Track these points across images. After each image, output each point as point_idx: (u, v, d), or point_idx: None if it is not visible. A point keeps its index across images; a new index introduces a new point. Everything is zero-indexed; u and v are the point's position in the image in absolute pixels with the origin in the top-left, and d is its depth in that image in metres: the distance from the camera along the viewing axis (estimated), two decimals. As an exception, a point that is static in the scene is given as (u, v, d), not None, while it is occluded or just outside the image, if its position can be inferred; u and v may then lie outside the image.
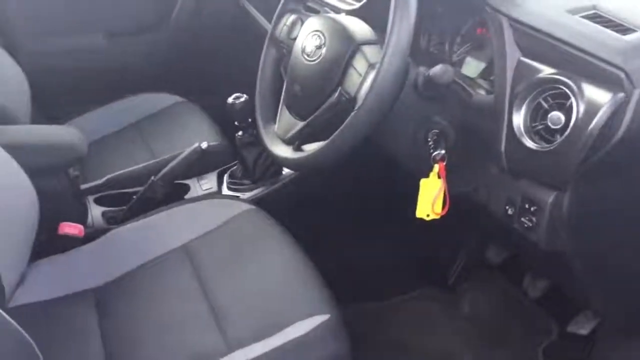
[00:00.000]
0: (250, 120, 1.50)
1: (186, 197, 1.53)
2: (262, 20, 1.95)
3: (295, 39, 1.17)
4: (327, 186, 1.57)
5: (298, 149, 1.09)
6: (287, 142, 1.11)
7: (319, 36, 1.07)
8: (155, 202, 1.43)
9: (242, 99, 1.47)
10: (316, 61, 1.06)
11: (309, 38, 1.09)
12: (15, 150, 1.18)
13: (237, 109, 1.47)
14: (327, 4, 1.33)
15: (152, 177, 1.43)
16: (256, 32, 1.99)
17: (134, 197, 1.51)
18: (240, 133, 1.52)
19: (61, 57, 2.00)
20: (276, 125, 1.16)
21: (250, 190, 1.53)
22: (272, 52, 1.24)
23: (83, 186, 1.52)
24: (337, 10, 1.35)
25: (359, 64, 0.99)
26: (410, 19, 0.93)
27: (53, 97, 1.97)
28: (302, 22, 1.17)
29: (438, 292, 1.60)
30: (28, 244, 1.19)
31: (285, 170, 1.56)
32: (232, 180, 1.57)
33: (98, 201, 1.51)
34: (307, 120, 1.07)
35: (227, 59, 2.18)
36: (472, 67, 1.15)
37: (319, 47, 1.06)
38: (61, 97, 1.99)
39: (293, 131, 1.10)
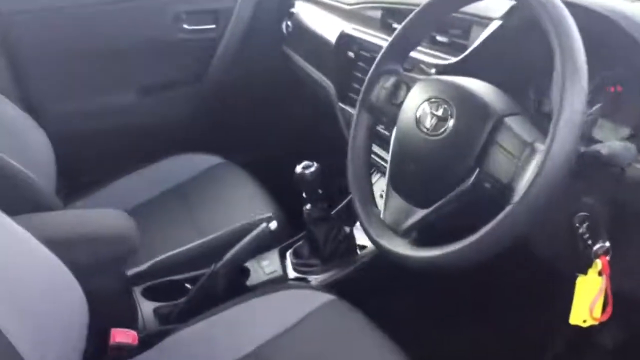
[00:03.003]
0: (320, 191, 1.31)
1: (248, 283, 1.31)
2: (308, 68, 1.76)
3: (399, 104, 0.97)
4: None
5: (418, 243, 0.88)
6: (401, 234, 0.90)
7: (441, 105, 0.87)
8: (216, 294, 1.21)
9: (313, 169, 1.27)
10: (441, 136, 0.86)
11: (425, 107, 0.89)
12: (57, 245, 0.98)
13: (307, 180, 1.27)
14: (417, 60, 1.15)
15: (213, 266, 1.21)
16: (301, 81, 1.81)
17: (187, 284, 1.30)
18: (308, 206, 1.31)
19: (88, 118, 1.79)
20: (382, 211, 0.95)
21: (321, 272, 1.32)
22: (364, 120, 1.04)
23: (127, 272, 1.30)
24: (428, 66, 1.17)
25: (508, 141, 0.79)
26: (584, 85, 0.73)
27: (79, 163, 1.77)
28: (408, 86, 0.97)
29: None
30: (77, 356, 0.97)
31: (363, 248, 1.35)
32: (298, 261, 1.35)
33: (146, 294, 1.28)
34: (431, 209, 0.86)
35: (270, 113, 1.99)
36: (608, 131, 0.95)
37: (443, 119, 0.86)
38: (88, 163, 1.79)
39: (410, 221, 0.89)
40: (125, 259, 1.14)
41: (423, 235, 0.90)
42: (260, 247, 1.26)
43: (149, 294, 1.28)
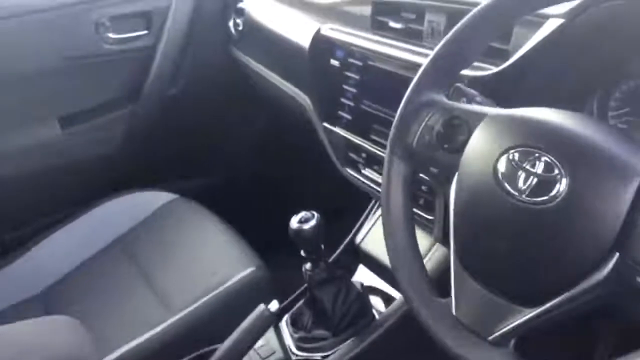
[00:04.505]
0: (322, 247, 1.02)
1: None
2: (270, 76, 1.45)
3: (455, 150, 0.70)
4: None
5: (523, 356, 0.62)
6: (494, 341, 0.63)
7: (539, 158, 0.60)
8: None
9: (313, 222, 0.98)
10: (550, 204, 0.58)
11: (510, 159, 0.62)
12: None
13: (306, 237, 0.98)
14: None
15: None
16: (260, 91, 1.51)
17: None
18: (308, 266, 1.03)
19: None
20: (453, 303, 0.68)
21: (333, 347, 1.04)
22: (401, 171, 0.75)
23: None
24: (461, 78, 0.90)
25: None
26: None
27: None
28: (469, 125, 0.69)
29: None
30: None
31: (379, 310, 1.08)
32: (301, 335, 1.06)
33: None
34: (541, 309, 0.60)
35: (225, 133, 1.66)
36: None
37: (549, 182, 0.59)
38: (8, 218, 1.42)
39: (506, 325, 0.62)
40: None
41: (526, 342, 0.63)
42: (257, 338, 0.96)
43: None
